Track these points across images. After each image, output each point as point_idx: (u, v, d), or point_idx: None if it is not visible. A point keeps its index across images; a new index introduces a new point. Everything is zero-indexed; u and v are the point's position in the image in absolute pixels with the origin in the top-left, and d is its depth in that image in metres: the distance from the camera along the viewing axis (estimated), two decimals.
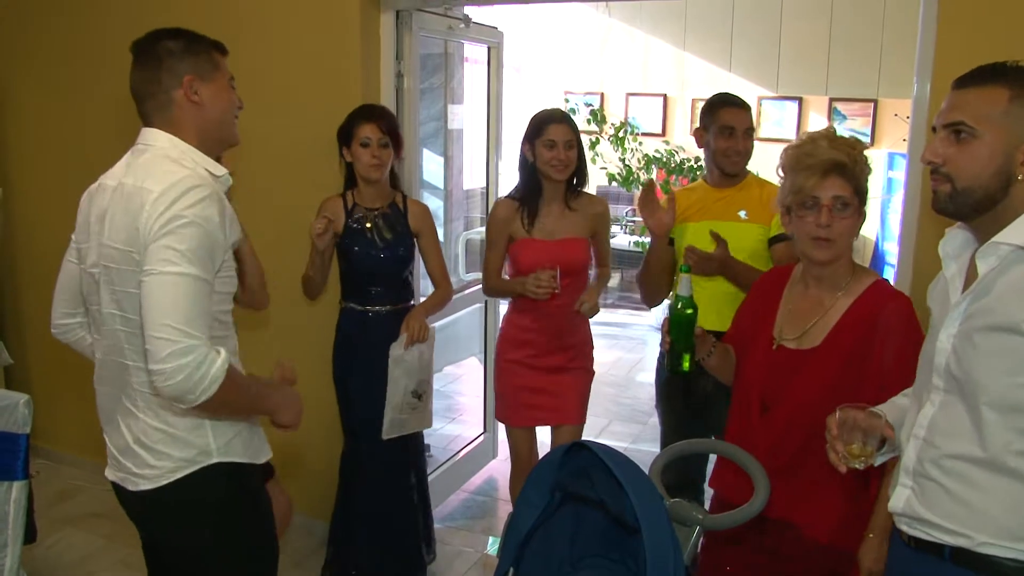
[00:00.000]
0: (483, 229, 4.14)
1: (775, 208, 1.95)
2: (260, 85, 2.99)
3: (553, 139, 2.74)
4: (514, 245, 2.87)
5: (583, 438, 2.18)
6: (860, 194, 1.83)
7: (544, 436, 3.05)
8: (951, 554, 1.41)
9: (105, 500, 1.82)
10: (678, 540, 1.47)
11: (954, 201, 1.40)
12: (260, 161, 3.13)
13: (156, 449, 1.69)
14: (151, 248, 1.55)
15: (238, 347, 1.84)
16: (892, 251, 5.90)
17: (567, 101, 7.37)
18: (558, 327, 2.85)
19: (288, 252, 3.01)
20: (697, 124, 2.84)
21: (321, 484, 3.25)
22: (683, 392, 2.75)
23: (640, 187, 2.84)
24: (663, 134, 7.89)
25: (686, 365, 1.92)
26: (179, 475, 1.69)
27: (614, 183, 6.99)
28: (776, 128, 7.20)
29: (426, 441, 3.15)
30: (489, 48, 3.91)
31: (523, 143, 2.83)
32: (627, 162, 7.18)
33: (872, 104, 7.03)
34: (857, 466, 1.51)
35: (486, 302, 4.05)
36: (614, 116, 7.75)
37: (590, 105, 7.48)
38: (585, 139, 3.06)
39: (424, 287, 3.19)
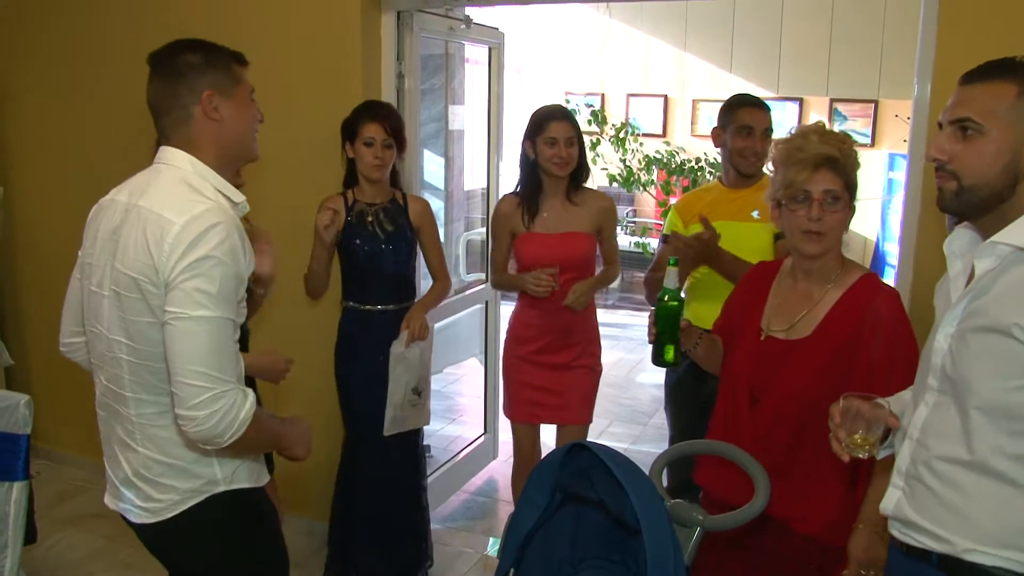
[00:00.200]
0: (484, 230, 4.16)
1: (765, 201, 1.96)
2: (261, 86, 2.94)
3: (554, 136, 2.75)
4: (517, 240, 2.90)
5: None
6: (850, 188, 1.84)
7: (550, 435, 3.05)
8: (938, 560, 1.39)
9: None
10: (678, 541, 1.47)
11: (960, 199, 1.38)
12: (260, 162, 3.11)
13: (160, 482, 1.66)
14: (178, 289, 1.51)
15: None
16: (893, 252, 5.90)
17: (568, 102, 7.37)
18: (562, 324, 2.86)
19: (288, 253, 3.00)
20: (715, 124, 2.84)
21: (321, 485, 3.24)
22: (692, 394, 2.74)
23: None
24: (664, 135, 7.90)
25: (668, 356, 1.96)
26: (184, 507, 1.67)
27: (615, 184, 6.99)
28: (777, 129, 7.19)
29: (426, 442, 3.15)
30: (490, 49, 3.91)
31: (524, 140, 2.84)
32: (628, 163, 7.19)
33: (873, 105, 7.03)
34: (860, 455, 1.49)
35: (486, 303, 4.05)
36: (615, 117, 7.76)
37: (591, 106, 7.49)
38: (586, 140, 3.06)
39: (425, 287, 3.18)
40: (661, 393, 5.35)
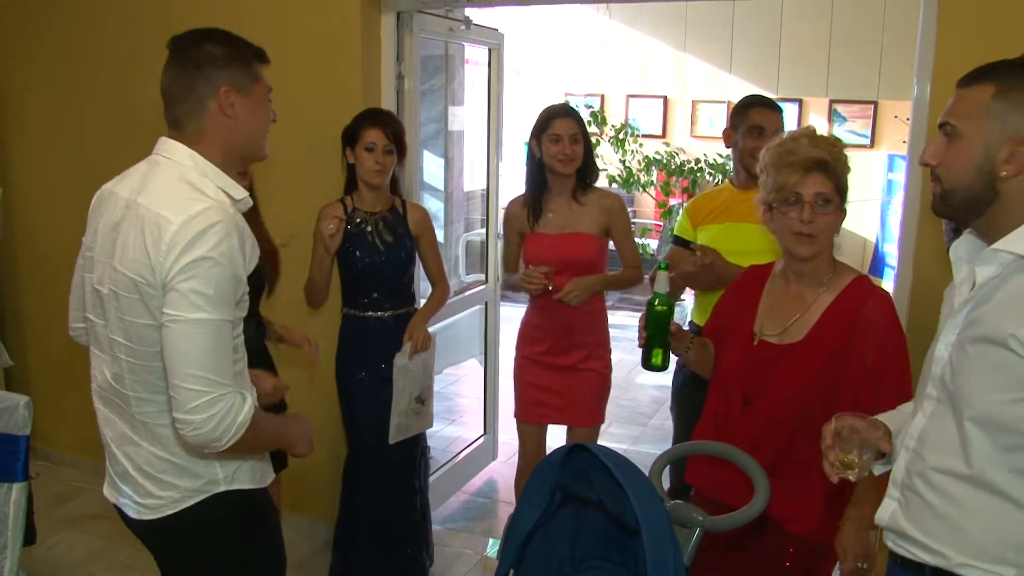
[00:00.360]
0: (483, 231, 4.16)
1: (756, 206, 1.96)
2: None
3: (558, 133, 2.76)
4: (524, 240, 2.92)
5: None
6: (841, 191, 1.85)
7: (560, 439, 3.04)
8: (931, 573, 1.37)
9: (105, 502, 1.81)
10: (678, 542, 1.47)
11: (944, 203, 1.38)
12: (259, 163, 3.12)
13: (161, 479, 1.65)
14: (175, 291, 1.49)
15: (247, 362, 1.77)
16: (892, 253, 5.90)
17: (567, 103, 7.37)
18: (567, 325, 2.85)
19: (288, 259, 3.01)
20: (726, 125, 2.84)
21: (322, 487, 3.25)
22: (699, 396, 2.74)
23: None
24: (663, 136, 7.89)
25: (655, 360, 1.98)
26: (184, 505, 1.66)
27: (614, 185, 6.99)
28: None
29: (426, 444, 3.15)
30: (490, 50, 3.91)
31: (530, 139, 2.86)
32: (627, 164, 7.19)
33: (872, 106, 7.03)
34: (850, 477, 1.45)
35: (486, 304, 4.05)
36: (614, 118, 7.76)
37: (590, 107, 7.49)
38: None
39: (425, 291, 3.18)
40: (661, 394, 5.35)
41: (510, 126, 4.18)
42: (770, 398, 1.89)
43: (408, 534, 3.03)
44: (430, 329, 2.93)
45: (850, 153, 1.92)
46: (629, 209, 8.00)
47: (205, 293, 1.49)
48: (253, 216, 2.55)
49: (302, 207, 2.97)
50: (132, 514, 1.70)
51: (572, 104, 3.13)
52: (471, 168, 5.35)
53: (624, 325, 7.20)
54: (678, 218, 3.04)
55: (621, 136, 7.19)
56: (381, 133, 2.76)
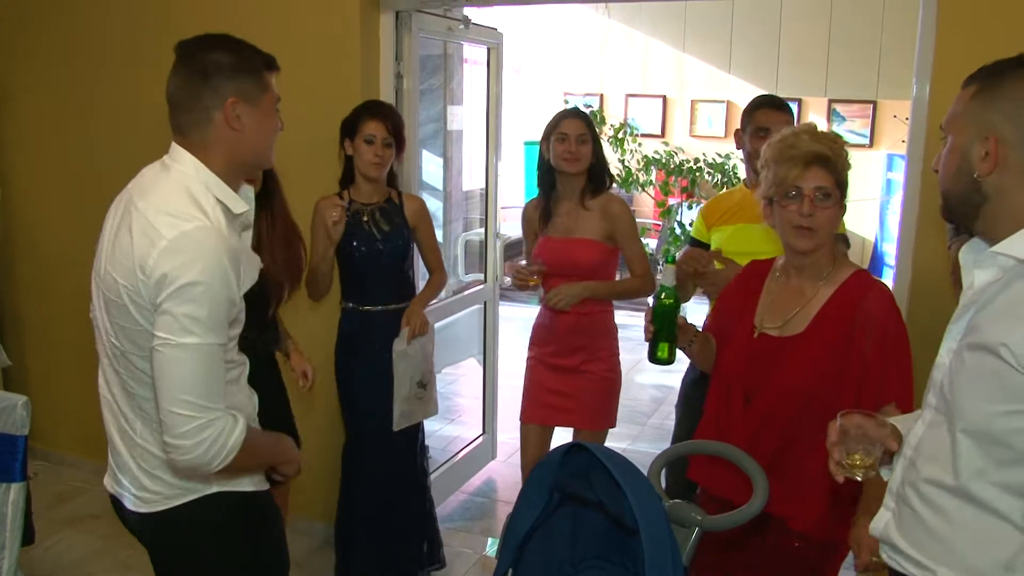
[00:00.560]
0: (482, 231, 4.16)
1: (758, 200, 1.97)
2: None
3: (565, 132, 2.77)
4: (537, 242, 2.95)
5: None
6: (841, 187, 1.86)
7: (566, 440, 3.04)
8: None
9: (104, 502, 1.81)
10: (677, 541, 1.47)
11: (944, 207, 1.36)
12: None
13: (153, 474, 1.64)
14: (167, 314, 1.46)
15: (248, 366, 1.77)
16: (891, 252, 5.90)
17: (567, 102, 7.38)
18: (568, 327, 2.85)
19: None
20: (738, 126, 2.83)
21: (321, 486, 3.25)
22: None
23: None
24: (662, 135, 7.90)
25: (661, 353, 1.97)
26: (176, 502, 1.65)
27: (613, 184, 7.00)
28: None
29: (425, 442, 3.15)
30: (488, 49, 3.91)
31: (541, 142, 2.87)
32: (626, 163, 7.19)
33: (871, 105, 7.04)
34: (857, 477, 1.40)
35: (485, 303, 4.05)
36: (613, 117, 7.77)
37: (589, 106, 7.50)
38: None
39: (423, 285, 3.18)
40: (660, 393, 5.36)
41: (509, 126, 4.17)
42: (770, 392, 1.89)
43: (410, 532, 3.02)
44: (432, 323, 2.93)
45: (849, 152, 1.92)
46: (630, 209, 8.05)
47: (197, 317, 1.46)
48: (279, 203, 2.55)
49: (300, 207, 2.96)
50: (129, 505, 1.70)
51: (570, 105, 3.13)
52: (470, 168, 5.35)
53: (623, 324, 7.18)
54: (693, 222, 3.03)
55: (620, 136, 7.20)
56: (381, 125, 2.76)
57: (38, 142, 3.83)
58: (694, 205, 6.88)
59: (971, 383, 1.26)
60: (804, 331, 1.88)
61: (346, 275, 2.90)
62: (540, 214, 2.91)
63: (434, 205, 5.24)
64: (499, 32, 3.92)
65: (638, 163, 7.20)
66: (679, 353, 2.02)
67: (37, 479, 3.48)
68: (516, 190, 8.26)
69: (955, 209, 1.34)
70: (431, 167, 5.23)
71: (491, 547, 3.44)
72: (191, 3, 3.21)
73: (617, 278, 2.96)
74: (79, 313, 1.74)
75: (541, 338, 2.95)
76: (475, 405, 4.35)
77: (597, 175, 2.85)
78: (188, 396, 1.47)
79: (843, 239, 2.48)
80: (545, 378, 2.92)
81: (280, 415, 2.65)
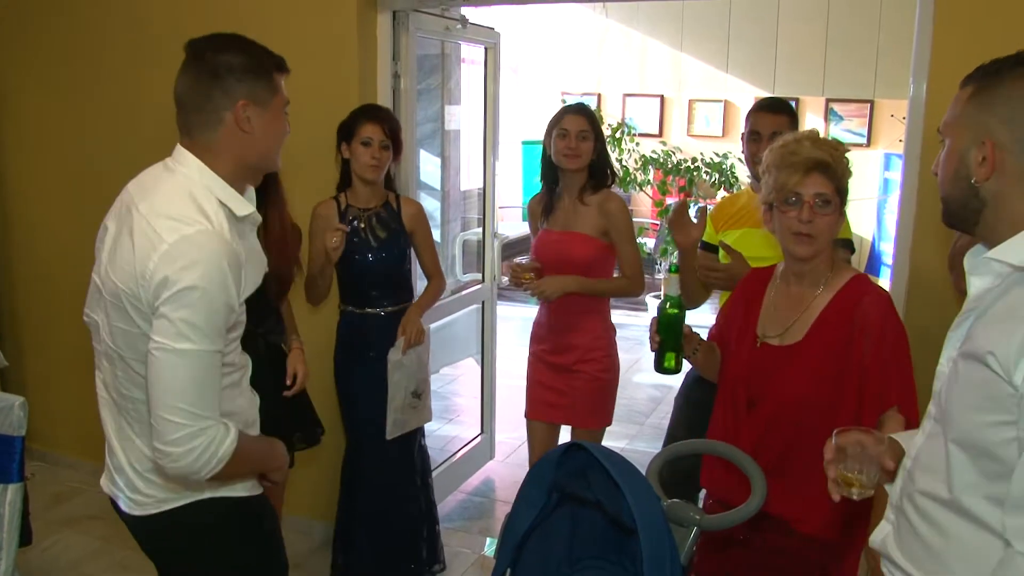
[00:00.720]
0: (480, 230, 4.16)
1: (758, 206, 1.97)
2: None
3: (566, 128, 2.77)
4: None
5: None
6: (841, 193, 1.86)
7: (566, 438, 3.05)
8: None
9: (101, 502, 1.80)
10: (675, 541, 1.47)
11: (944, 212, 1.33)
12: None
13: (147, 478, 1.64)
14: (164, 319, 1.45)
15: (251, 367, 1.76)
16: (888, 251, 5.91)
17: (564, 102, 7.35)
18: (560, 325, 2.87)
19: None
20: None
21: (319, 486, 3.25)
22: (705, 395, 2.73)
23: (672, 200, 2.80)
24: (660, 135, 7.90)
25: (668, 363, 1.99)
26: (169, 506, 1.65)
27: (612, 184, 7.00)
28: None
29: (423, 442, 3.15)
30: (486, 49, 3.91)
31: (544, 137, 2.88)
32: (624, 163, 7.19)
33: (868, 105, 7.04)
34: (852, 495, 1.37)
35: (483, 303, 4.05)
36: (611, 117, 7.77)
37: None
38: None
39: (422, 287, 3.18)
40: (658, 393, 5.36)
41: (506, 125, 4.17)
42: (773, 400, 1.90)
43: (410, 534, 3.02)
44: (429, 326, 2.93)
45: (850, 161, 1.91)
46: (629, 209, 8.04)
47: (192, 322, 1.45)
48: (277, 199, 2.54)
49: (298, 207, 2.96)
50: (123, 507, 1.70)
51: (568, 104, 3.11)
52: (468, 167, 5.36)
53: (620, 324, 7.18)
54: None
55: (618, 135, 7.20)
56: (378, 128, 2.76)
57: (38, 142, 3.82)
58: (692, 205, 6.88)
59: (962, 393, 1.23)
60: (803, 339, 1.88)
61: (344, 280, 2.91)
62: (542, 208, 2.93)
63: (432, 205, 5.24)
64: (496, 32, 3.92)
65: (636, 162, 7.20)
66: (650, 358, 2.03)
67: (34, 480, 3.47)
68: (514, 190, 8.26)
69: (955, 214, 1.31)
70: (429, 167, 5.23)
71: (489, 547, 3.43)
72: (190, 3, 3.21)
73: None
74: (78, 314, 1.74)
75: (539, 335, 2.97)
76: (473, 405, 4.35)
77: (598, 171, 2.84)
78: (181, 403, 1.46)
79: (848, 244, 2.48)
80: (543, 375, 2.94)
81: (288, 409, 2.66)
